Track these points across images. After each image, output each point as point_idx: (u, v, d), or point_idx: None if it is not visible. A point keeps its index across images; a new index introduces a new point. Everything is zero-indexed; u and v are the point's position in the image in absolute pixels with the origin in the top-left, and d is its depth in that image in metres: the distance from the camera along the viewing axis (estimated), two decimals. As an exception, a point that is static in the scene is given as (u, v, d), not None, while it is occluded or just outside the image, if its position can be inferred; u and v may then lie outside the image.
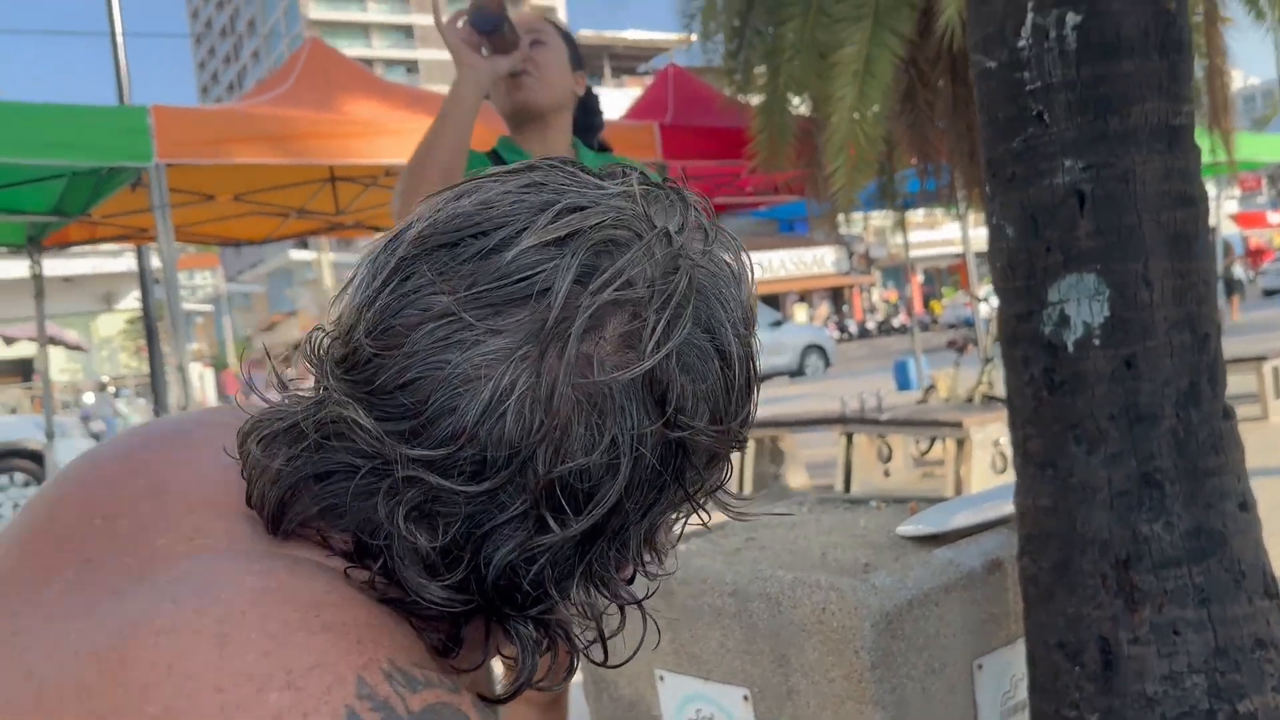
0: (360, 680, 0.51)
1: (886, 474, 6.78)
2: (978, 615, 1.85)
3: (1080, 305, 1.63)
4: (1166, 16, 1.64)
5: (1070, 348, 1.64)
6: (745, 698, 1.82)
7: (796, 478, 7.32)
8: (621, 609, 0.64)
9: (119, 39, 8.55)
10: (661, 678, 1.97)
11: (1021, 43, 1.68)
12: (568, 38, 2.14)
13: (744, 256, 0.64)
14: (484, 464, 0.55)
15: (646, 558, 0.63)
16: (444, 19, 2.00)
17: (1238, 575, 1.61)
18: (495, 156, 2.10)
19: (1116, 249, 1.61)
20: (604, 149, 2.33)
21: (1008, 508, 1.98)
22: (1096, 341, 1.62)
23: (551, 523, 0.56)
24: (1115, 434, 1.61)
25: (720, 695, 1.87)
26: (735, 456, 0.65)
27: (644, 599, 0.64)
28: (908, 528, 2.10)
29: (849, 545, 2.10)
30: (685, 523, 0.64)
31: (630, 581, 0.64)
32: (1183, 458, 1.60)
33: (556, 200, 0.59)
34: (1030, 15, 1.66)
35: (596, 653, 0.65)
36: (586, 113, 2.26)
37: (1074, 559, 1.66)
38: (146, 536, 0.60)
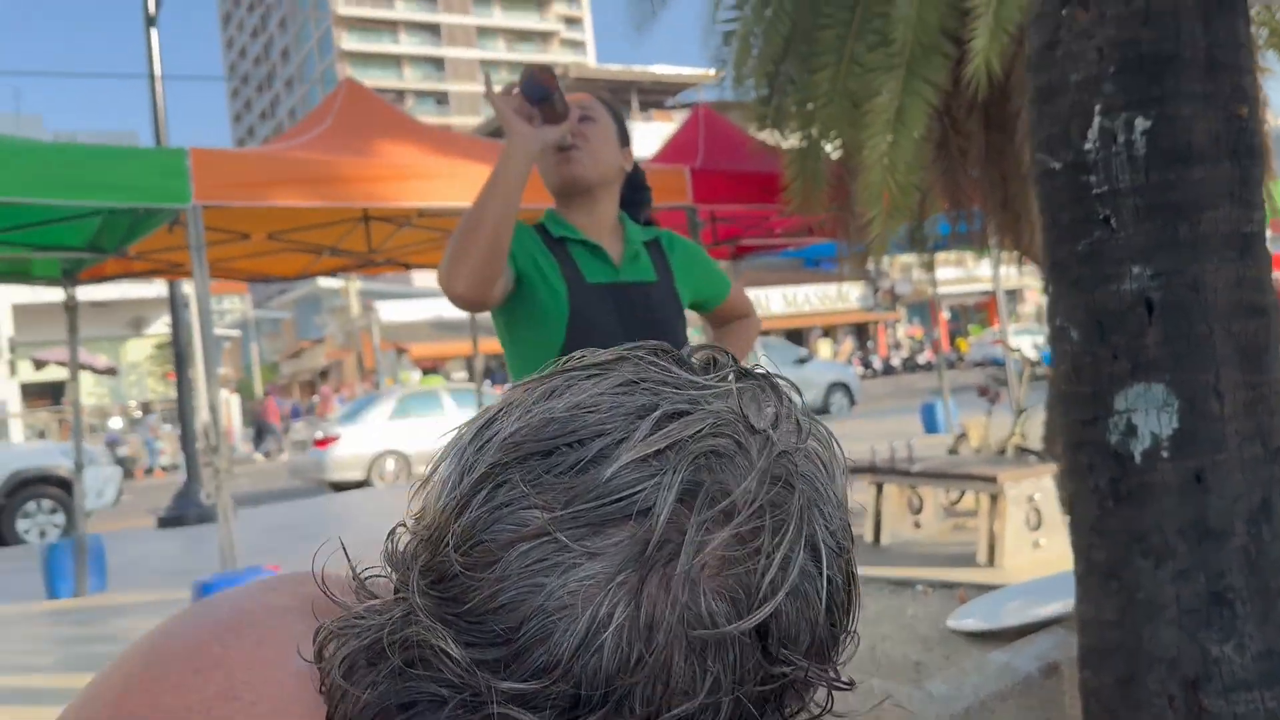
0: None
1: (917, 525, 6.70)
2: (1034, 723, 1.81)
3: (1148, 415, 1.59)
4: (1238, 123, 1.61)
5: (1137, 458, 1.60)
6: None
7: (824, 526, 7.23)
8: None
9: (158, 82, 8.65)
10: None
11: (1088, 145, 1.65)
12: (617, 115, 2.15)
13: (836, 447, 0.61)
14: (578, 701, 0.52)
15: None
16: (495, 88, 2.01)
17: (1313, 702, 1.56)
18: (542, 230, 2.10)
19: (1186, 359, 1.57)
20: (650, 223, 2.32)
21: (1060, 605, 1.93)
22: (1165, 453, 1.58)
23: None
24: (1184, 549, 1.57)
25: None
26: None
27: None
28: (959, 622, 2.06)
29: (898, 638, 2.06)
30: None
31: None
32: (1255, 576, 1.56)
33: (654, 404, 0.56)
34: (1098, 118, 1.64)
35: None
36: (633, 188, 2.25)
37: (1139, 676, 1.61)
38: None
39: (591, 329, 2.00)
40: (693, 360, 0.62)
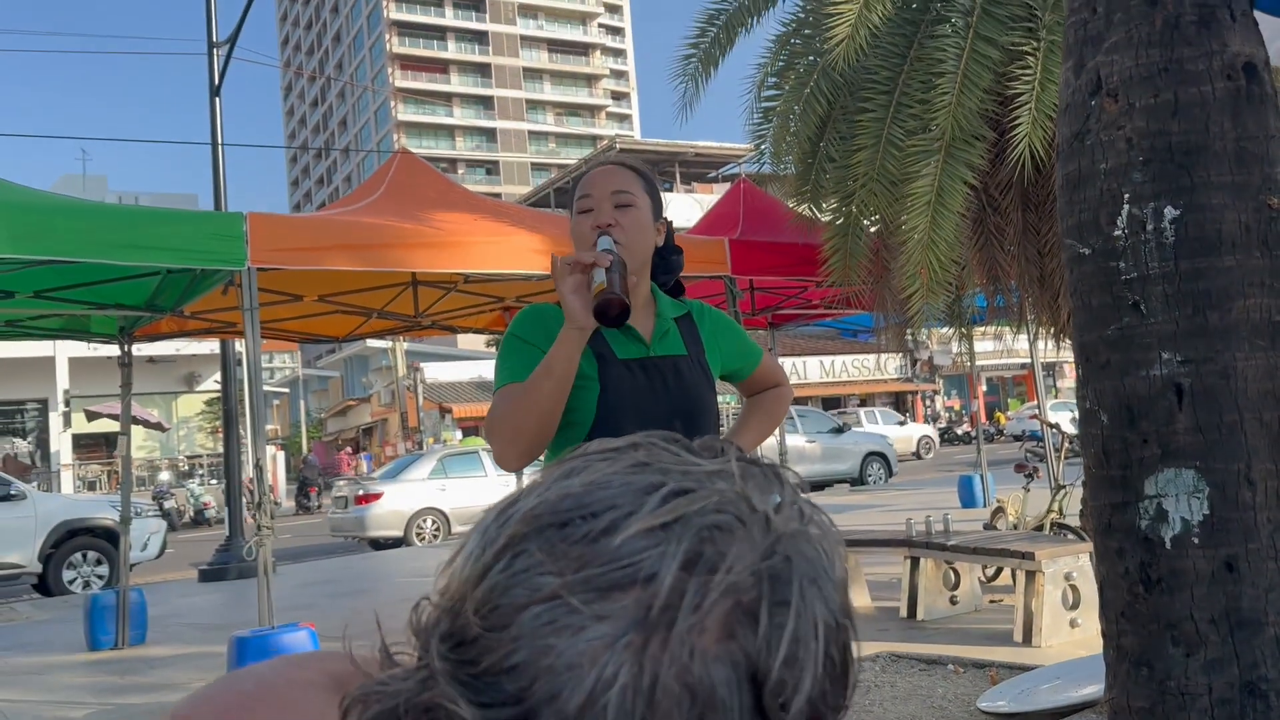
0: None
1: (953, 601, 6.60)
2: (1066, 810, 1.78)
3: (1179, 501, 1.60)
4: (1268, 213, 1.64)
5: (1168, 544, 1.61)
6: None
7: (860, 599, 7.15)
8: None
9: (220, 149, 8.95)
10: None
11: (1117, 232, 1.68)
12: (652, 187, 2.15)
13: (837, 534, 0.64)
14: None
15: None
16: (565, 276, 1.89)
17: (1348, 798, 1.53)
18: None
19: (1217, 446, 1.58)
20: (678, 288, 2.31)
21: (1092, 689, 1.92)
22: (1195, 540, 1.59)
23: None
24: (1215, 638, 1.56)
25: None
26: None
27: None
28: (989, 704, 2.05)
29: (927, 718, 2.05)
30: None
31: None
32: (1288, 667, 1.55)
33: (662, 482, 0.60)
34: (1126, 206, 1.67)
35: None
36: (663, 254, 2.24)
37: (1171, 765, 1.60)
38: None
39: (623, 403, 2.01)
40: (701, 449, 0.66)
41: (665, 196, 2.35)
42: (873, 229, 7.50)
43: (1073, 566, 5.63)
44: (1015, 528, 7.61)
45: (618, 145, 37.48)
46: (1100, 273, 1.71)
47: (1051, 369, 31.62)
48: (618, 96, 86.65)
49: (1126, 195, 1.68)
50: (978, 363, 14.32)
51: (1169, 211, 1.64)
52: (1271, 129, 1.68)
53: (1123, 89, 1.70)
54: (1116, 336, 1.69)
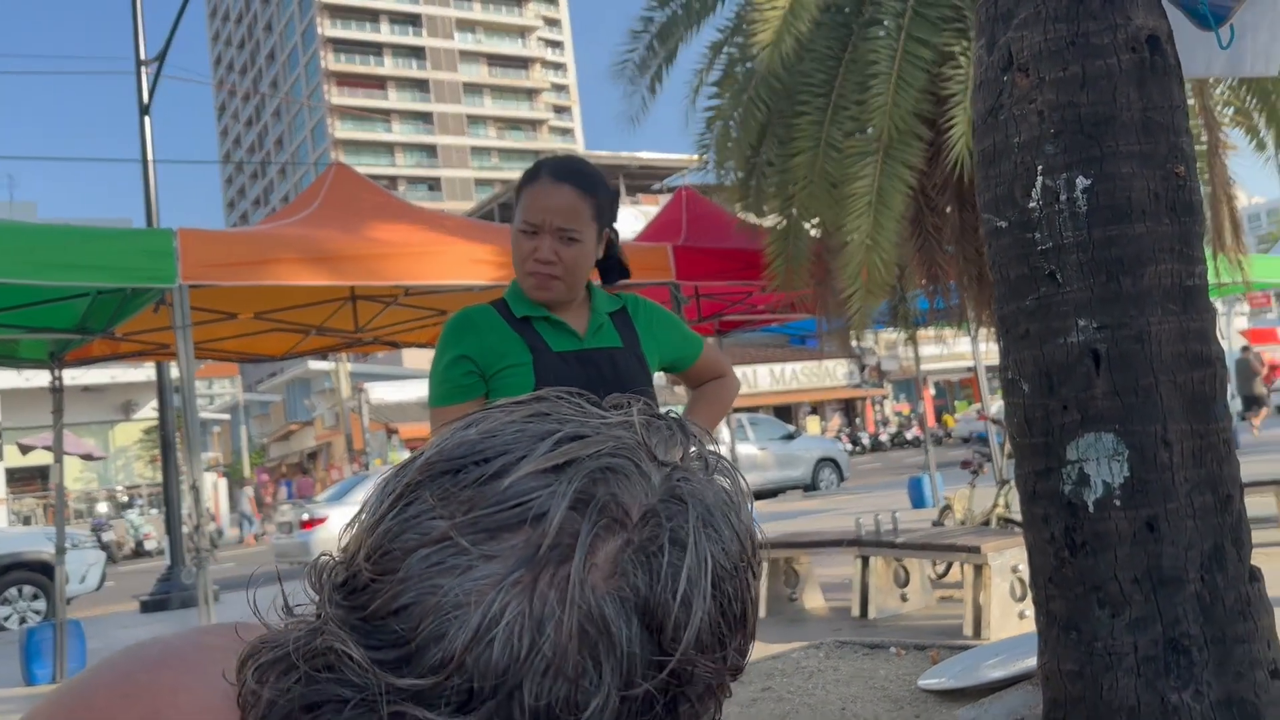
0: None
1: (904, 598, 6.65)
2: (1003, 780, 1.79)
3: (1100, 465, 1.62)
4: (1176, 180, 1.68)
5: (1091, 508, 1.63)
6: None
7: (812, 600, 7.19)
8: None
9: (150, 169, 8.80)
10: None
11: (1032, 204, 1.71)
12: (601, 202, 2.07)
13: (742, 484, 0.65)
14: (471, 694, 0.55)
15: None
16: None
17: (1272, 749, 1.56)
18: (504, 307, 2.11)
19: (1134, 410, 1.61)
20: (621, 270, 2.28)
21: (1030, 663, 1.93)
22: (1117, 502, 1.61)
23: None
24: (1139, 598, 1.58)
25: None
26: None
27: None
28: (929, 681, 2.06)
29: (869, 699, 2.05)
30: None
31: None
32: (1210, 624, 1.57)
33: (558, 430, 0.61)
34: (1040, 178, 1.70)
35: None
36: (602, 264, 2.22)
37: (1102, 727, 1.61)
38: None
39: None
40: (606, 405, 0.67)
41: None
42: (813, 232, 7.58)
43: (1019, 559, 5.70)
44: (963, 524, 7.69)
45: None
46: (1017, 244, 1.74)
47: (995, 370, 32.17)
48: (559, 110, 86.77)
49: (1040, 167, 1.70)
50: (924, 366, 14.53)
51: (1080, 181, 1.67)
52: (1176, 99, 1.72)
53: (1033, 64, 1.73)
54: (1034, 306, 1.71)
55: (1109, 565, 1.61)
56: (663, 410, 0.68)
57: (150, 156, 8.90)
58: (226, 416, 35.44)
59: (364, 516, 0.62)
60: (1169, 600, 1.58)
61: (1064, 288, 1.67)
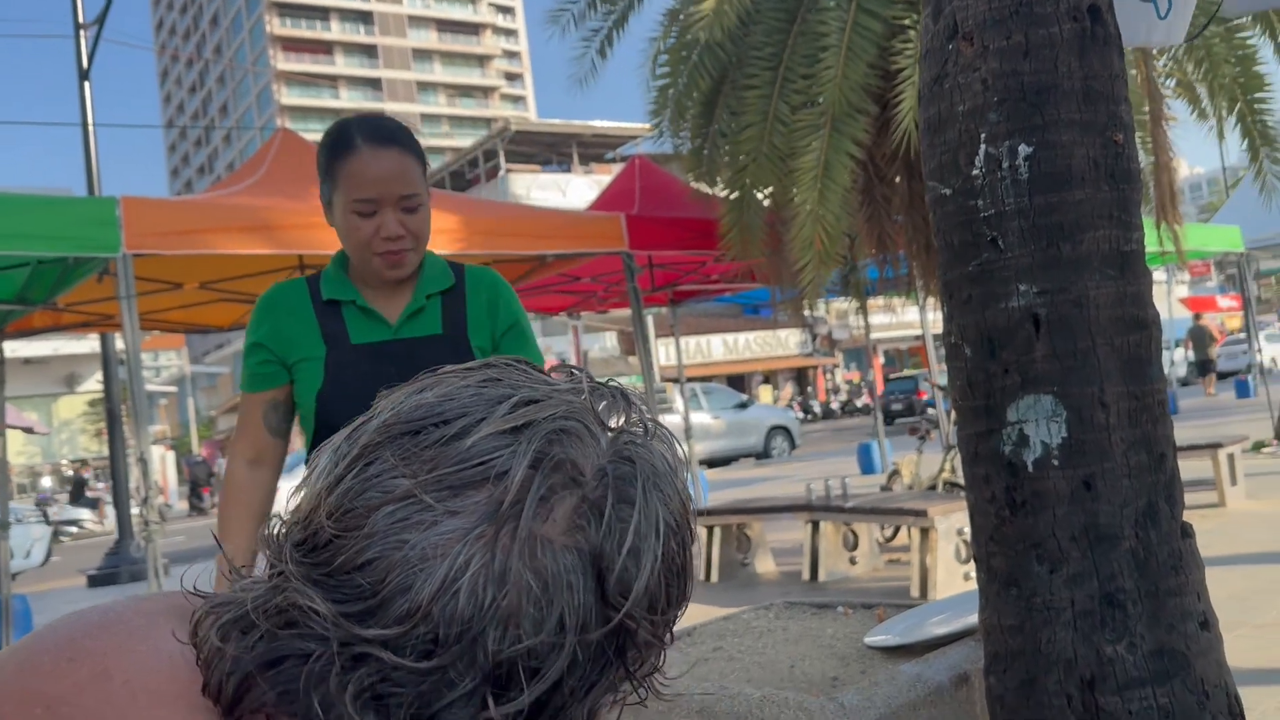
0: None
1: (853, 561, 6.77)
2: (946, 732, 1.85)
3: (1039, 426, 1.67)
4: (1115, 148, 1.72)
5: (1030, 467, 1.67)
6: (714, 820, 1.80)
7: (764, 564, 7.29)
8: None
9: (91, 129, 8.59)
10: (629, 798, 1.94)
11: (975, 171, 1.74)
12: (422, 156, 1.90)
13: (679, 449, 0.69)
14: (436, 642, 0.58)
15: None
16: None
17: (1201, 697, 1.63)
18: (314, 287, 1.93)
19: (1072, 372, 1.66)
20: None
21: (973, 619, 1.99)
22: (1055, 462, 1.66)
23: (499, 700, 0.58)
24: (1076, 554, 1.64)
25: (689, 817, 1.84)
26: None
27: None
28: (875, 638, 2.11)
29: (817, 656, 2.10)
30: (623, 704, 0.67)
31: None
32: (1144, 578, 1.63)
33: (512, 394, 0.64)
34: (983, 145, 1.73)
35: None
36: None
37: (1039, 679, 1.67)
38: None
39: (343, 394, 1.83)
40: (549, 371, 0.70)
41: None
42: (766, 202, 7.61)
43: (964, 522, 5.82)
44: (910, 488, 7.83)
45: (513, 127, 37.14)
46: (961, 211, 1.77)
47: (942, 338, 32.60)
48: (511, 77, 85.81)
49: (983, 135, 1.74)
50: (874, 335, 14.72)
51: (1023, 149, 1.71)
52: (1115, 68, 1.76)
53: (977, 32, 1.76)
54: (977, 272, 1.75)
55: (1047, 523, 1.66)
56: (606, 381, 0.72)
57: (90, 122, 8.68)
58: (173, 389, 34.89)
59: (315, 479, 0.64)
60: (1105, 556, 1.64)
61: (1005, 254, 1.71)
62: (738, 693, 1.80)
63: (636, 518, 0.62)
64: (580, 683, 0.61)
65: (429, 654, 0.58)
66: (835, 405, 33.91)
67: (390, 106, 76.44)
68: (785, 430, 20.55)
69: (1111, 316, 1.68)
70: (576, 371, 0.69)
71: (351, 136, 1.80)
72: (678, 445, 0.69)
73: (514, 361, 0.69)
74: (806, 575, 6.58)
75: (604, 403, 0.66)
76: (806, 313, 8.60)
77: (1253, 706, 1.69)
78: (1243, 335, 21.41)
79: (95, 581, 10.83)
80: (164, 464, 20.43)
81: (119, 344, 10.23)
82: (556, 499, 0.60)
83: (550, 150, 38.50)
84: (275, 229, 5.55)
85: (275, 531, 0.65)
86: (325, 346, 1.87)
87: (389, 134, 1.82)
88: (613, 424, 0.65)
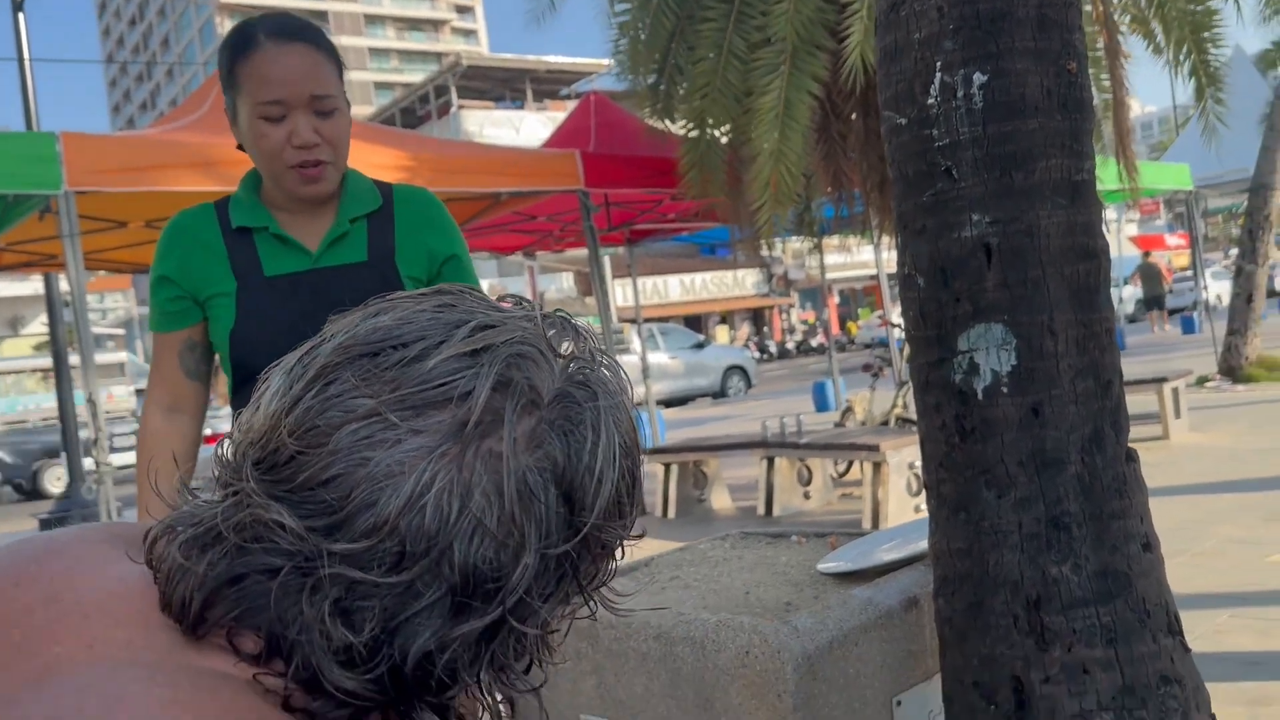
0: None
1: (807, 496, 6.88)
2: (896, 653, 1.89)
3: (989, 354, 1.69)
4: (1068, 77, 1.72)
5: (980, 395, 1.70)
6: (671, 742, 1.83)
7: (720, 500, 7.38)
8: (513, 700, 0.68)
9: (27, 64, 8.30)
10: (587, 723, 1.97)
11: (930, 100, 1.74)
12: (338, 59, 1.75)
13: (624, 377, 0.71)
14: (403, 555, 0.59)
15: (542, 647, 0.67)
16: None
17: (1143, 615, 1.68)
18: (223, 213, 1.78)
19: (1022, 300, 1.68)
20: None
21: (923, 545, 2.03)
22: (1005, 389, 1.68)
23: (465, 611, 0.60)
24: (1024, 479, 1.67)
25: (646, 739, 1.88)
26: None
27: (539, 688, 0.68)
28: (828, 565, 2.14)
29: (771, 583, 2.13)
30: (573, 618, 0.69)
31: (527, 671, 0.68)
32: (1089, 502, 1.67)
33: (469, 318, 0.65)
34: (939, 74, 1.73)
35: None
36: None
37: (987, 600, 1.71)
38: (42, 644, 0.61)
39: (261, 330, 1.69)
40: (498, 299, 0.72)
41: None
42: (724, 140, 7.56)
43: (915, 456, 5.93)
44: (863, 424, 7.94)
45: (464, 62, 36.43)
46: (916, 141, 1.77)
47: (897, 278, 32.90)
48: (462, 10, 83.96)
49: (939, 63, 1.73)
50: (829, 275, 14.80)
51: (977, 78, 1.71)
52: (1070, -4, 1.76)
53: (934, -41, 1.74)
54: (931, 202, 1.75)
55: (996, 449, 1.69)
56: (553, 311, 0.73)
57: (26, 55, 8.39)
58: (121, 331, 34.25)
59: (269, 401, 0.64)
60: (1051, 481, 1.67)
61: (959, 183, 1.72)
62: (694, 618, 1.83)
63: (594, 437, 0.64)
64: (541, 594, 0.63)
65: (396, 567, 0.59)
66: (791, 345, 34.17)
67: (338, 40, 74.52)
68: (742, 370, 20.70)
69: (1062, 246, 1.70)
70: (525, 302, 0.71)
71: (253, 34, 1.63)
72: (623, 372, 0.71)
73: (465, 289, 0.70)
74: (762, 510, 6.67)
75: (553, 330, 0.68)
76: (765, 252, 8.61)
77: (1191, 629, 1.75)
78: (1190, 273, 21.80)
79: (47, 525, 10.70)
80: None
81: (63, 285, 9.99)
82: (519, 419, 0.61)
83: (504, 86, 37.87)
84: (221, 165, 5.43)
85: (228, 452, 0.65)
86: (236, 280, 1.71)
87: (295, 29, 1.65)
88: (562, 348, 0.67)
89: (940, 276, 1.73)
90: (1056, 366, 1.68)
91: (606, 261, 14.68)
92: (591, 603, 0.68)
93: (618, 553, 0.69)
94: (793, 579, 2.15)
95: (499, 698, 0.68)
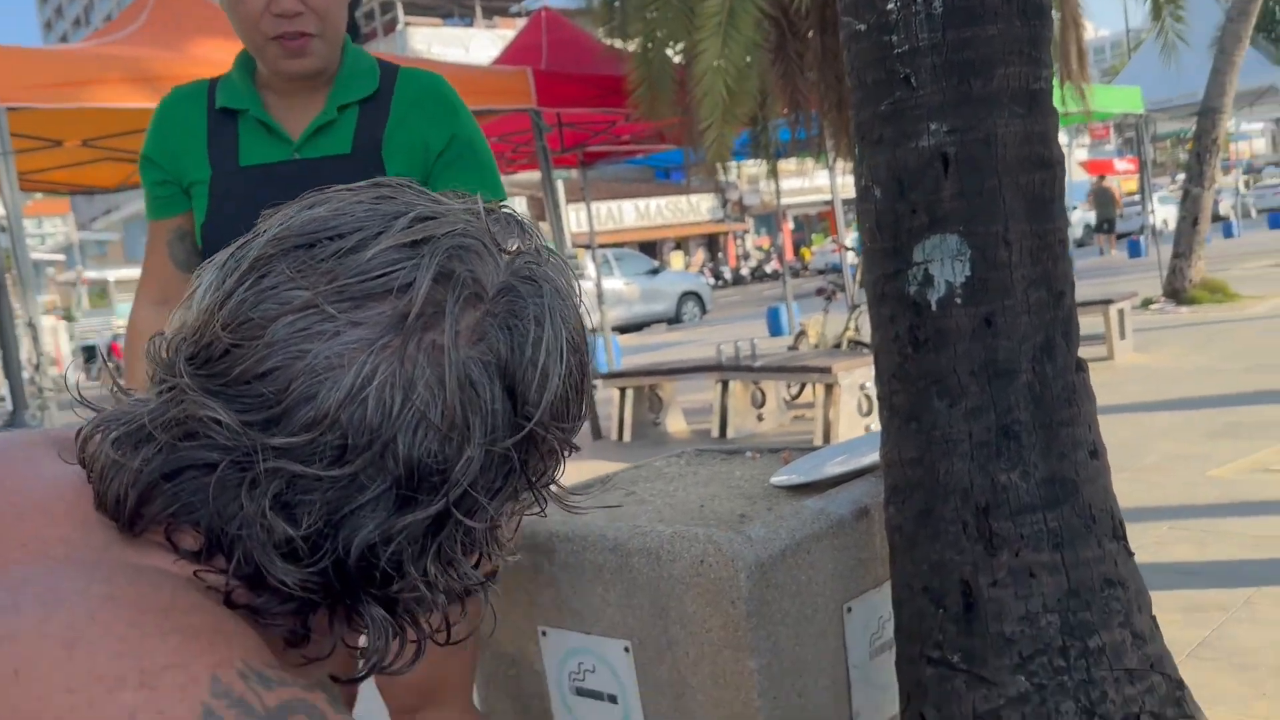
0: (215, 679, 0.51)
1: (760, 418, 6.95)
2: (847, 561, 1.92)
3: (944, 265, 1.69)
4: (1027, -17, 1.70)
5: (934, 306, 1.70)
6: (626, 649, 1.86)
7: (675, 424, 7.43)
8: (463, 593, 0.67)
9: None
10: (544, 633, 1.99)
11: (890, 5, 1.71)
12: None
13: (571, 274, 0.69)
14: (345, 449, 0.58)
15: (491, 543, 0.66)
16: None
17: (1088, 520, 1.71)
18: (211, 94, 1.65)
19: (979, 211, 1.67)
20: (351, 27, 1.77)
21: (874, 457, 2.05)
22: (958, 300, 1.69)
23: (409, 504, 0.59)
24: (976, 389, 1.68)
25: (602, 648, 1.90)
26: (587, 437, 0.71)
27: (486, 582, 0.68)
28: (781, 478, 2.16)
29: (726, 497, 2.15)
30: (523, 516, 0.69)
31: (476, 566, 0.67)
32: (1039, 410, 1.69)
33: (408, 210, 0.63)
34: (898, -22, 1.70)
35: (444, 634, 0.70)
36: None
37: (937, 508, 1.74)
38: None
39: (228, 226, 1.45)
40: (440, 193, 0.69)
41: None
42: (677, 59, 7.45)
43: (866, 377, 5.99)
44: (816, 348, 8.00)
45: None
46: (875, 48, 1.74)
47: (852, 203, 32.98)
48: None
49: (898, -32, 1.70)
50: (784, 200, 14.76)
51: (937, -18, 1.68)
52: (1032, -101, 1.72)
53: None
54: (889, 111, 1.73)
55: (949, 360, 1.70)
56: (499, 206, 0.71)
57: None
58: (61, 257, 33.42)
59: (202, 296, 0.62)
60: (1002, 390, 1.69)
61: (918, 91, 1.70)
62: (650, 529, 1.84)
63: (539, 331, 0.62)
64: (486, 488, 0.62)
65: (338, 460, 0.58)
66: (745, 271, 34.20)
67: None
68: (696, 296, 20.72)
69: (1018, 155, 1.69)
70: (467, 196, 0.68)
71: None
72: (570, 270, 0.69)
73: (405, 182, 0.68)
74: (716, 433, 6.73)
75: (499, 226, 0.65)
76: (720, 176, 8.56)
77: (1134, 539, 1.79)
78: (1138, 197, 22.05)
79: (-10, 455, 10.53)
80: (56, 335, 19.71)
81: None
82: (461, 312, 0.60)
83: (452, 2, 36.88)
84: (158, 80, 5.24)
85: (160, 348, 0.63)
86: (210, 169, 1.58)
87: None
88: (506, 243, 0.65)
89: (897, 187, 1.72)
90: (1010, 277, 1.68)
91: (560, 186, 14.51)
92: (541, 500, 0.67)
93: (567, 451, 0.68)
94: (747, 492, 2.16)
95: (451, 590, 0.67)
